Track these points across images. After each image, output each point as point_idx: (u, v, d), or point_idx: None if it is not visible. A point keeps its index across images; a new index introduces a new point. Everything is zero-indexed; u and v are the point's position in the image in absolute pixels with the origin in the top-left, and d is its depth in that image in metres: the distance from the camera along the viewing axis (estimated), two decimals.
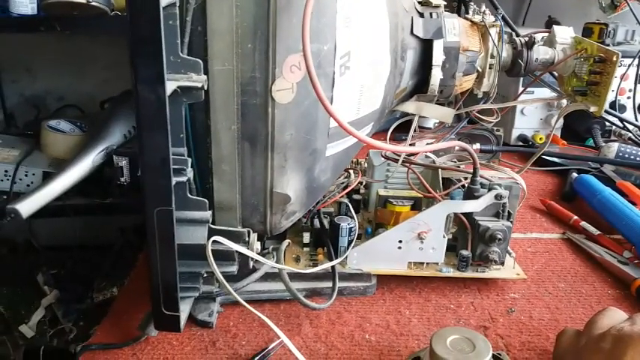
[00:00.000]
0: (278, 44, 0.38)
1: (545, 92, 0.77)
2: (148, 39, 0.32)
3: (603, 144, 0.83)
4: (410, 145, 0.58)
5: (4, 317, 0.95)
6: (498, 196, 0.49)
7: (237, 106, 0.39)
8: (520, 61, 0.56)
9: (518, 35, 0.58)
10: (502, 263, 0.50)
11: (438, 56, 0.52)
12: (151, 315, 0.40)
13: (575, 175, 0.72)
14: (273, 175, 0.42)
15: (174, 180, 0.36)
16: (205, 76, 0.36)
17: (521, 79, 0.81)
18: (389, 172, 0.58)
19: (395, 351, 0.43)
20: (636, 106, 0.91)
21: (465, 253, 0.50)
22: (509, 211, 0.50)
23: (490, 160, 0.77)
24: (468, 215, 0.50)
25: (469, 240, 0.50)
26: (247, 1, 0.37)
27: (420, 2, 0.52)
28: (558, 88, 0.62)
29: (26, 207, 0.47)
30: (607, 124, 0.89)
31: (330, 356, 0.42)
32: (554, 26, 0.58)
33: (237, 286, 0.45)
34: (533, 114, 0.90)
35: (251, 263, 0.44)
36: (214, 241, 0.39)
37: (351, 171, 0.58)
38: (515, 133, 0.91)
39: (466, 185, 0.51)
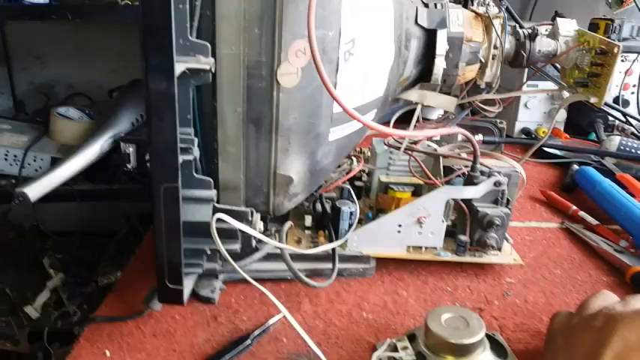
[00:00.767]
0: (284, 29, 0.39)
1: (549, 85, 0.78)
2: (158, 22, 0.33)
3: (605, 137, 0.83)
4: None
5: (10, 298, 0.97)
6: (497, 183, 0.50)
7: (243, 89, 0.40)
8: (522, 52, 0.57)
9: (521, 27, 0.59)
10: (499, 249, 0.51)
11: (441, 46, 0.52)
12: (155, 290, 0.41)
13: (576, 167, 0.73)
14: (276, 157, 0.43)
15: (181, 158, 0.37)
16: (213, 59, 0.37)
17: (526, 72, 0.81)
18: (391, 159, 0.59)
19: (391, 329, 0.44)
20: None
21: (463, 238, 0.51)
22: (507, 199, 0.51)
23: (492, 151, 0.78)
24: (468, 202, 0.51)
25: (467, 225, 0.51)
26: None
27: None
28: (560, 81, 0.63)
29: (34, 191, 0.48)
30: (610, 118, 0.90)
31: (328, 332, 0.44)
32: (558, 19, 0.59)
33: (240, 264, 0.46)
34: (536, 107, 0.90)
35: (253, 243, 0.45)
36: (218, 219, 0.40)
37: (354, 158, 0.59)
38: (518, 127, 0.91)
39: (466, 173, 0.52)
